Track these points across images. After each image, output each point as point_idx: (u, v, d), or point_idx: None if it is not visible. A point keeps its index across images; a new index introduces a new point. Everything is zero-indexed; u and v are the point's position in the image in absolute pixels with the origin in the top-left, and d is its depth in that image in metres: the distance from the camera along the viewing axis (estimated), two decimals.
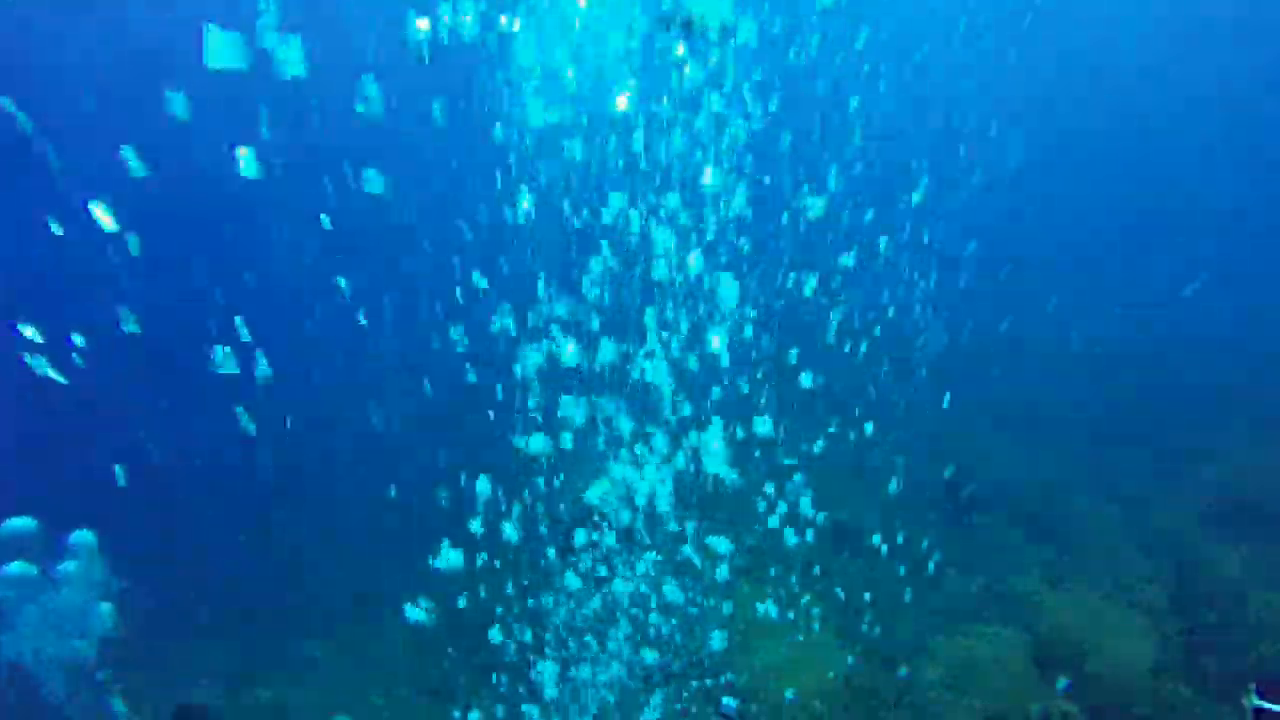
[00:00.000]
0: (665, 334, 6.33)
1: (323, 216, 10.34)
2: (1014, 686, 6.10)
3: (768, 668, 6.49)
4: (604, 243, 6.16)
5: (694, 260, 6.06)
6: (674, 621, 8.37)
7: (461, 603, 7.76)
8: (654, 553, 7.73)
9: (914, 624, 8.45)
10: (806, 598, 8.49)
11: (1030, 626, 7.15)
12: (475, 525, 6.61)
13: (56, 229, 7.76)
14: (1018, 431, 14.84)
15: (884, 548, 10.44)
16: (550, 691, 7.22)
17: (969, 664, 6.40)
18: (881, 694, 6.49)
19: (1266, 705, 1.68)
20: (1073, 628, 6.95)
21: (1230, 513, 10.99)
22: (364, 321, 10.77)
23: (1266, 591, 8.05)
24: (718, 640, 7.61)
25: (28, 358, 5.27)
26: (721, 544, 6.96)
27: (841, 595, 9.57)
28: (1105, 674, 6.62)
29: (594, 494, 8.26)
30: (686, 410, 6.72)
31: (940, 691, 6.39)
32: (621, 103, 5.50)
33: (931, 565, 10.35)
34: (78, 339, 7.27)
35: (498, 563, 7.59)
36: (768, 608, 7.45)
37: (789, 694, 6.21)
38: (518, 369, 6.25)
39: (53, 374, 5.38)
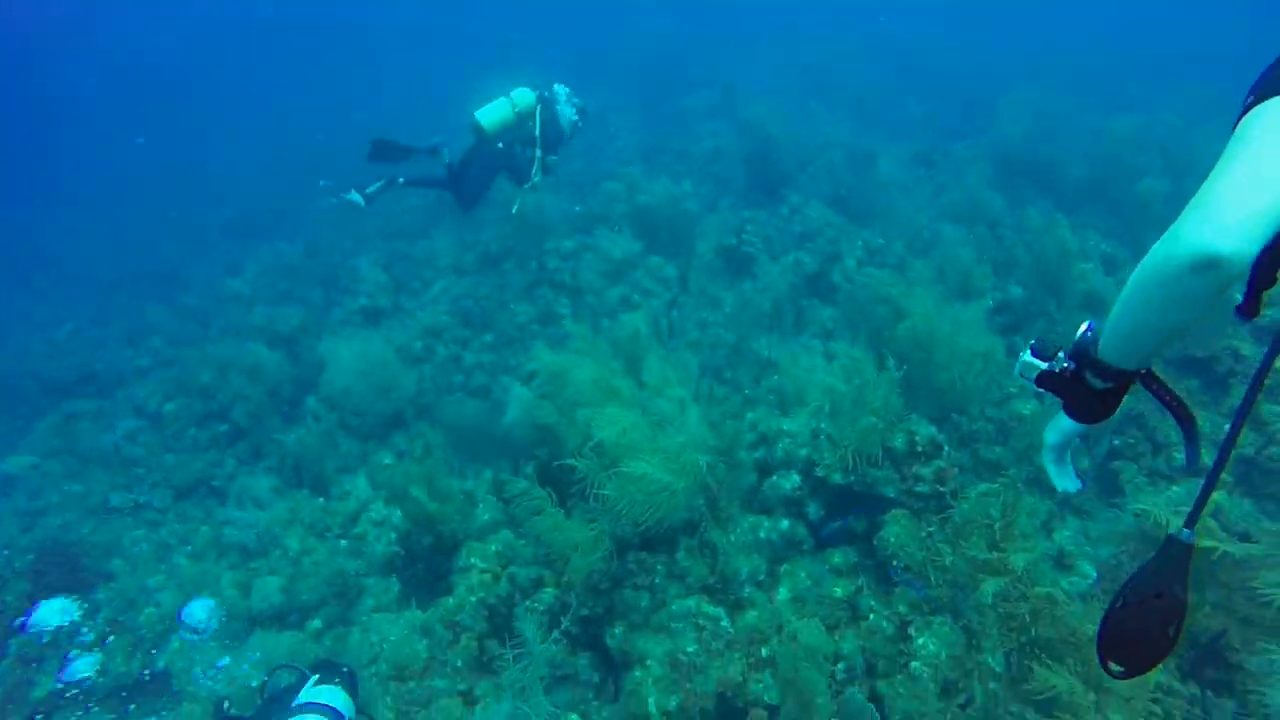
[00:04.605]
0: None
1: None
2: (879, 415, 5.38)
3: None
4: None
5: None
6: None
7: None
8: None
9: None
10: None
11: (880, 334, 6.44)
12: None
13: None
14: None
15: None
16: None
17: (832, 402, 5.57)
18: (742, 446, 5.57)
19: (1033, 360, 1.57)
20: (923, 332, 6.30)
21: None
22: None
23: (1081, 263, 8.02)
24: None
25: None
26: None
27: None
28: (953, 381, 6.22)
29: None
30: None
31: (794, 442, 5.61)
32: None
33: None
34: None
35: None
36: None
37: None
38: None
39: None
